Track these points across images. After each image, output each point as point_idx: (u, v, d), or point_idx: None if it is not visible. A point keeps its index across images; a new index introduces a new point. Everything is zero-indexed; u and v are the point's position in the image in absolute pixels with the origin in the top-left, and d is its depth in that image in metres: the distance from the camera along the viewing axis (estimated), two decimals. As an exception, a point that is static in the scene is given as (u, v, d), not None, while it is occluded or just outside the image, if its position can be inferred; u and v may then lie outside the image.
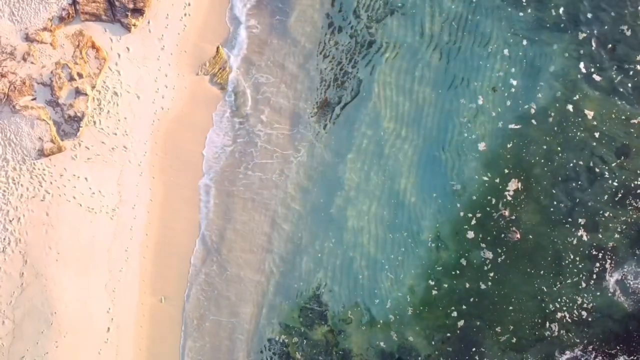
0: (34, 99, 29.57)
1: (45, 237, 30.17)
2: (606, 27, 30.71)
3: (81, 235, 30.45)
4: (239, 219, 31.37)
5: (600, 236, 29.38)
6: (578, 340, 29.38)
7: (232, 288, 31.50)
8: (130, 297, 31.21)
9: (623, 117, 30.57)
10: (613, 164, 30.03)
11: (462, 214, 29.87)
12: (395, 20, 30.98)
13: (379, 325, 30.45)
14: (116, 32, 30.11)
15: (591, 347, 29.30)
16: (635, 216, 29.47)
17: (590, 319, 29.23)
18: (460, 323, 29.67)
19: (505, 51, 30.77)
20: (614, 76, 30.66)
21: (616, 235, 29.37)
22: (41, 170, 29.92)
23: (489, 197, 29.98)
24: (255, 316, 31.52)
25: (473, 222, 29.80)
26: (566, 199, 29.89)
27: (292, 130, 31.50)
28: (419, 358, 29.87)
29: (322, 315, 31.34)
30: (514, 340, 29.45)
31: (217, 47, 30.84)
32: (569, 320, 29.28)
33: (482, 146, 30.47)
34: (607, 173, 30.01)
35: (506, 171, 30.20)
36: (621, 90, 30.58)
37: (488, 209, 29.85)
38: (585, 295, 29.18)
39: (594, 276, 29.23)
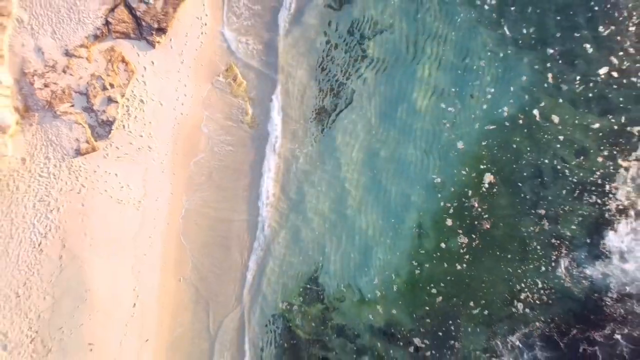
0: (72, 105, 34.33)
1: (81, 224, 34.93)
2: (571, 45, 34.92)
3: (111, 224, 35.16)
4: (256, 206, 36.19)
5: (559, 227, 33.70)
6: (540, 318, 33.72)
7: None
8: (153, 277, 35.89)
9: (584, 123, 34.80)
10: (573, 163, 34.31)
11: (442, 204, 34.35)
12: (384, 38, 35.46)
13: (367, 302, 35.00)
14: (142, 48, 34.81)
15: (552, 324, 33.63)
16: (589, 209, 33.77)
17: (549, 300, 33.53)
18: (439, 299, 34.13)
19: (482, 63, 35.14)
20: (577, 87, 34.84)
21: (573, 226, 33.68)
22: (78, 167, 34.68)
23: (465, 190, 34.43)
24: (262, 295, 36.14)
25: (451, 211, 34.24)
26: (532, 193, 34.24)
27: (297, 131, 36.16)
28: (402, 330, 34.39)
29: (319, 295, 35.94)
30: (485, 314, 33.88)
31: (230, 63, 35.47)
32: (532, 300, 33.63)
33: (460, 145, 34.87)
34: (567, 171, 34.31)
35: (481, 167, 34.61)
36: (582, 99, 34.72)
37: (464, 200, 34.30)
38: (545, 278, 33.48)
39: (552, 262, 33.56)
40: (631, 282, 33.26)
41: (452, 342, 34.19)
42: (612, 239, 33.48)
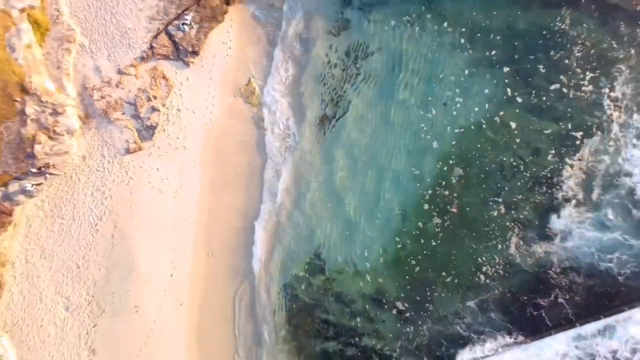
0: (123, 113, 42.71)
1: (129, 210, 43.22)
2: (527, 65, 42.74)
3: (154, 209, 43.40)
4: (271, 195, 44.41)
5: (514, 212, 41.63)
6: (498, 287, 41.65)
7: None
8: (186, 253, 44.02)
9: (538, 128, 42.67)
10: (527, 160, 42.21)
11: (420, 191, 42.40)
12: (375, 59, 43.58)
13: (360, 274, 43.09)
14: (179, 67, 43.18)
15: (507, 292, 41.60)
16: (540, 198, 41.69)
17: (505, 273, 41.46)
18: (417, 270, 42.17)
19: (452, 79, 43.08)
20: (532, 99, 42.68)
21: (525, 212, 41.61)
22: (127, 163, 43.01)
23: (439, 180, 42.46)
24: (277, 268, 44.29)
25: (427, 197, 42.29)
26: (493, 183, 42.17)
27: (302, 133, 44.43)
28: (388, 296, 42.48)
29: (321, 268, 44.05)
30: (455, 282, 41.86)
31: (249, 78, 43.77)
32: (491, 272, 41.59)
33: (435, 144, 42.85)
34: (522, 167, 42.22)
35: (452, 162, 42.57)
36: (536, 109, 42.56)
37: (438, 188, 42.32)
38: (502, 254, 41.39)
39: (507, 241, 41.49)
40: (571, 258, 41.16)
41: (428, 305, 42.24)
42: (557, 222, 41.42)
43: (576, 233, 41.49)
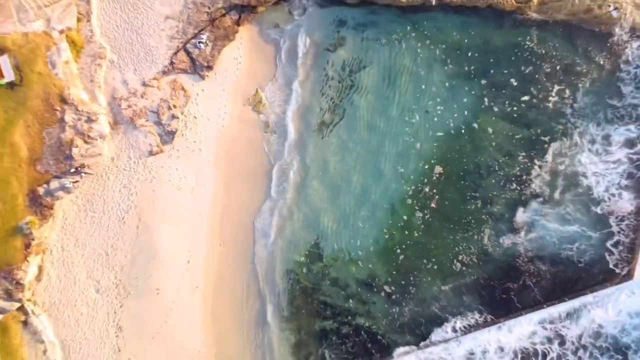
0: (147, 120, 48.85)
1: (152, 204, 49.34)
2: (501, 78, 48.58)
3: (173, 204, 49.49)
4: (275, 192, 50.46)
5: (488, 206, 47.55)
6: (474, 274, 47.51)
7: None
8: (201, 242, 50.10)
9: (510, 133, 48.62)
10: (501, 161, 48.11)
11: (404, 188, 48.40)
12: (367, 72, 49.53)
13: (353, 261, 49.13)
14: (196, 80, 49.29)
15: (479, 278, 47.45)
16: (510, 194, 47.55)
17: (479, 261, 47.38)
18: (402, 257, 48.17)
19: (434, 89, 48.97)
20: (505, 108, 48.62)
21: (497, 207, 47.48)
22: (150, 163, 49.15)
23: (421, 178, 48.46)
24: (280, 256, 50.34)
25: (410, 193, 48.29)
26: (470, 181, 48.10)
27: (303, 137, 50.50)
28: (377, 280, 48.48)
29: (319, 256, 50.07)
30: (435, 269, 47.82)
31: (256, 89, 49.90)
32: (466, 260, 47.50)
33: (418, 146, 48.78)
34: (497, 167, 48.12)
35: (432, 162, 48.53)
36: (509, 116, 48.50)
37: (420, 185, 48.30)
38: (476, 244, 47.34)
39: (481, 232, 47.41)
40: (536, 248, 47.01)
41: (411, 288, 48.25)
42: (524, 216, 47.32)
43: (541, 226, 47.41)
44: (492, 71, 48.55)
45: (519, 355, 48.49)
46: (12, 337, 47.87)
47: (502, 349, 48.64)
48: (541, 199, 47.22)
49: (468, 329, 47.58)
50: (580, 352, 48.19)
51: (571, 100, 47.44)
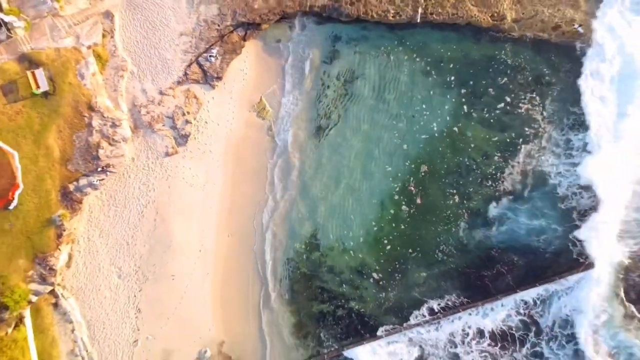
0: (164, 125, 54.98)
1: (168, 199, 55.38)
2: (480, 88, 54.25)
3: (186, 199, 55.52)
4: (278, 189, 56.37)
5: (466, 202, 53.37)
6: (453, 263, 53.33)
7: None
8: (211, 233, 56.01)
9: (487, 137, 54.37)
10: (478, 161, 53.86)
11: (392, 185, 54.26)
12: (359, 82, 55.40)
13: (346, 250, 55.05)
14: (207, 89, 55.36)
15: (457, 267, 53.33)
16: (486, 190, 53.35)
17: (456, 251, 53.17)
18: (389, 247, 54.06)
19: (419, 97, 54.79)
20: (483, 114, 54.33)
21: (474, 202, 53.30)
22: (166, 163, 55.24)
23: (407, 176, 54.33)
24: (282, 246, 56.34)
25: (398, 189, 54.17)
26: (451, 179, 53.87)
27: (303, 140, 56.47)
28: (367, 268, 54.41)
29: (317, 246, 56.00)
30: (419, 258, 53.70)
31: (261, 97, 55.96)
32: (447, 250, 53.30)
33: (405, 147, 54.58)
34: (475, 166, 53.88)
35: (418, 161, 54.38)
36: (487, 122, 54.20)
37: (406, 182, 54.18)
38: (454, 236, 53.14)
39: (459, 226, 53.23)
40: (508, 239, 52.79)
41: (397, 275, 54.17)
42: (497, 210, 53.12)
43: (512, 219, 53.22)
44: (471, 81, 54.31)
45: (498, 341, 54.15)
46: (44, 317, 54.04)
47: (481, 333, 54.30)
48: (512, 196, 53.06)
49: (448, 312, 53.42)
50: (552, 343, 53.84)
51: (540, 108, 53.22)
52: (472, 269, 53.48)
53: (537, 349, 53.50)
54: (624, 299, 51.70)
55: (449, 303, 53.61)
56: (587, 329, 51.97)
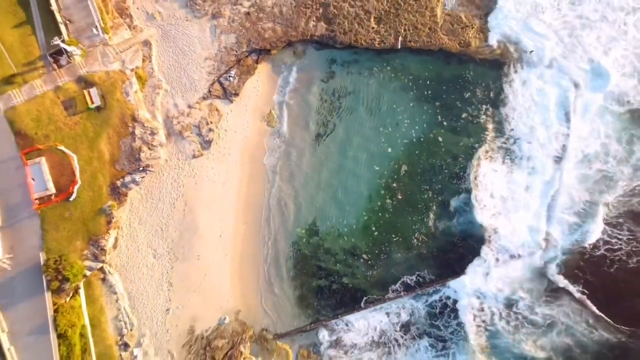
0: (191, 132, 67.44)
1: (195, 193, 67.61)
2: (450, 101, 65.99)
3: (210, 193, 67.79)
4: (284, 185, 68.59)
5: (436, 196, 65.09)
6: (425, 247, 65.03)
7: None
8: (230, 221, 68.10)
9: (456, 142, 66.03)
10: (447, 162, 65.59)
11: (378, 181, 66.19)
12: (351, 97, 67.47)
13: (341, 236, 67.01)
14: (226, 103, 67.70)
15: (428, 251, 65.07)
16: (453, 187, 65.02)
17: (427, 239, 64.86)
18: (376, 233, 65.95)
19: (402, 108, 66.62)
20: (452, 123, 66.05)
21: (442, 196, 64.98)
22: (193, 164, 67.56)
23: (391, 174, 66.21)
24: (288, 231, 68.45)
25: (383, 185, 66.09)
26: (427, 177, 65.65)
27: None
28: (357, 250, 66.29)
29: (316, 231, 67.97)
30: (400, 242, 65.49)
31: (270, 110, 68.24)
32: (420, 237, 65.01)
33: (389, 150, 66.46)
34: (444, 166, 65.62)
35: (400, 162, 66.23)
36: (455, 130, 65.89)
37: (390, 179, 66.05)
38: (426, 225, 64.84)
39: (430, 216, 64.96)
40: (467, 228, 64.32)
41: (383, 255, 65.94)
42: (458, 203, 64.71)
43: (469, 211, 64.85)
44: (443, 96, 66.16)
45: (474, 315, 65.59)
46: (94, 289, 66.29)
47: (455, 303, 65.79)
48: (471, 191, 64.79)
49: (424, 286, 65.19)
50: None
51: (495, 118, 64.97)
52: (440, 252, 65.25)
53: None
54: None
55: (425, 278, 65.32)
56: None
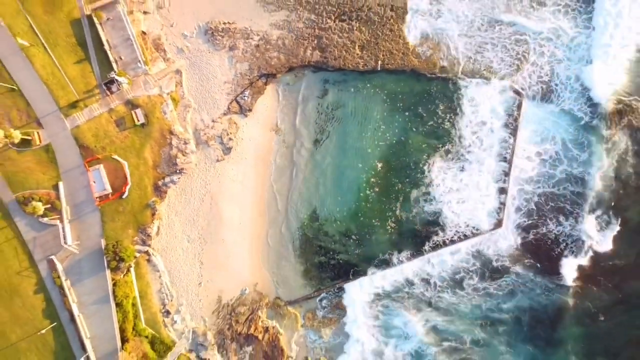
0: (214, 141, 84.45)
1: (219, 190, 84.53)
2: (423, 112, 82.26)
3: (231, 189, 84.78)
4: (290, 181, 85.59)
5: (408, 189, 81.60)
6: (398, 230, 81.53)
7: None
8: (247, 212, 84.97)
9: (423, 144, 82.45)
10: (416, 160, 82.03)
11: (363, 177, 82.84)
12: (343, 110, 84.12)
13: (336, 220, 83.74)
14: (242, 117, 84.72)
15: (403, 232, 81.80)
16: (420, 181, 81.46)
17: (399, 226, 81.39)
18: (362, 218, 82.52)
19: (379, 116, 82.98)
20: (420, 129, 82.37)
21: (414, 189, 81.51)
22: (217, 166, 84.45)
23: (371, 171, 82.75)
24: (294, 218, 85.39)
25: (365, 179, 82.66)
26: (400, 172, 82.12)
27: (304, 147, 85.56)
28: (349, 233, 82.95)
29: (317, 218, 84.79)
30: (379, 225, 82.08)
31: (277, 121, 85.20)
32: (393, 224, 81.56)
33: (369, 150, 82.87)
34: (413, 165, 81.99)
35: (377, 160, 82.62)
36: (425, 134, 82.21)
37: (370, 176, 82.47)
38: (397, 214, 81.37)
39: (402, 205, 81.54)
40: (432, 215, 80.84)
41: (368, 236, 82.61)
42: (421, 194, 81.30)
43: (434, 202, 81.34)
44: (413, 107, 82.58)
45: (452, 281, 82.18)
46: (142, 268, 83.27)
47: (429, 278, 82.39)
48: (432, 185, 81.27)
49: (401, 262, 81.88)
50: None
51: (455, 124, 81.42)
52: (412, 234, 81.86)
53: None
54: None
55: (401, 255, 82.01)
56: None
